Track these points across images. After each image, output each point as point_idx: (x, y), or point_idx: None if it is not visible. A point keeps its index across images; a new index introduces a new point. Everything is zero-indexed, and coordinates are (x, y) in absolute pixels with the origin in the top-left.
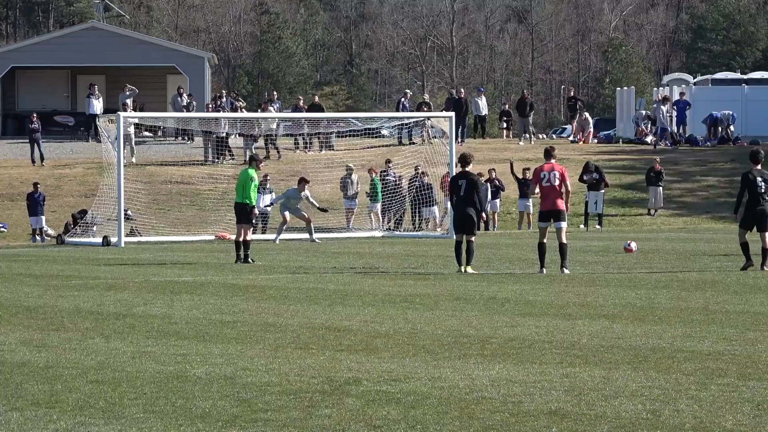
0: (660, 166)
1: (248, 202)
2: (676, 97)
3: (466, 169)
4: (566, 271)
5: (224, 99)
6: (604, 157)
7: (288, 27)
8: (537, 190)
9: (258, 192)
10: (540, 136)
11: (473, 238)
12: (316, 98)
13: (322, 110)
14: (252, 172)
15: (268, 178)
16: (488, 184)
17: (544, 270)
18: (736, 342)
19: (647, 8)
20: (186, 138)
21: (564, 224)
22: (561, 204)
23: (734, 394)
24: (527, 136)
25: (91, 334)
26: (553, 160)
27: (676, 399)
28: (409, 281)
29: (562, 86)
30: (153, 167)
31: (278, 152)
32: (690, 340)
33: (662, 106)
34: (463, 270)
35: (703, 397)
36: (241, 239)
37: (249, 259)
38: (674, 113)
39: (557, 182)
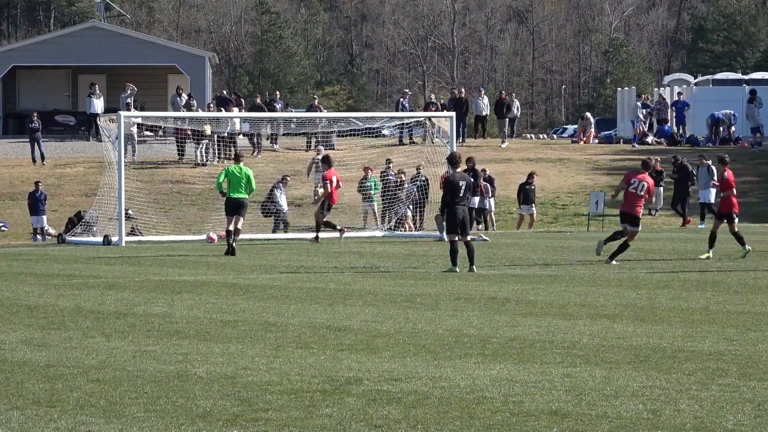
0: (660, 167)
1: (252, 191)
2: (675, 97)
3: (459, 169)
4: (614, 263)
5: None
6: (606, 158)
7: (289, 27)
8: (621, 193)
9: (278, 191)
10: (542, 136)
11: (470, 238)
12: (258, 99)
13: (263, 110)
14: (247, 168)
15: (288, 178)
16: (488, 184)
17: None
18: (737, 342)
19: (648, 8)
20: (194, 140)
21: (637, 229)
22: (639, 211)
23: (735, 394)
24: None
25: (92, 333)
26: (647, 172)
27: (677, 399)
28: (409, 281)
29: (503, 93)
30: (154, 167)
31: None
32: (691, 340)
33: (638, 103)
34: (458, 270)
35: (704, 397)
36: (232, 228)
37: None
38: (674, 113)
39: (642, 192)
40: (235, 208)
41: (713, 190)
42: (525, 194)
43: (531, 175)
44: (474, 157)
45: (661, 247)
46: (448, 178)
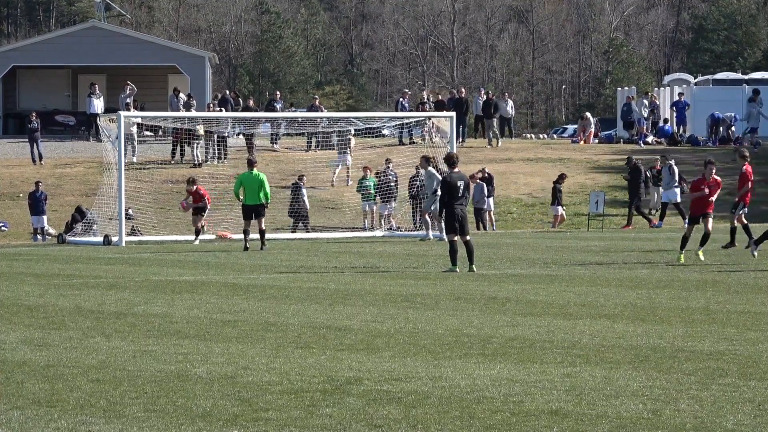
0: (660, 167)
1: (268, 200)
2: (675, 97)
3: (457, 169)
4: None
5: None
6: (606, 157)
7: (289, 26)
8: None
9: (304, 189)
10: (542, 136)
11: (469, 238)
12: (251, 102)
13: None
14: (261, 174)
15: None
16: (484, 184)
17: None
18: (737, 342)
19: (648, 8)
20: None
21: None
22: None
23: (735, 394)
24: (495, 138)
25: (92, 333)
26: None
27: (677, 399)
28: (409, 281)
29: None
30: (154, 167)
31: (225, 153)
32: (691, 340)
33: (644, 101)
34: (458, 270)
35: (704, 397)
36: (261, 228)
37: (264, 246)
38: (674, 113)
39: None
40: (251, 214)
41: (677, 190)
42: (557, 194)
43: (562, 176)
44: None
45: (660, 247)
46: (445, 178)
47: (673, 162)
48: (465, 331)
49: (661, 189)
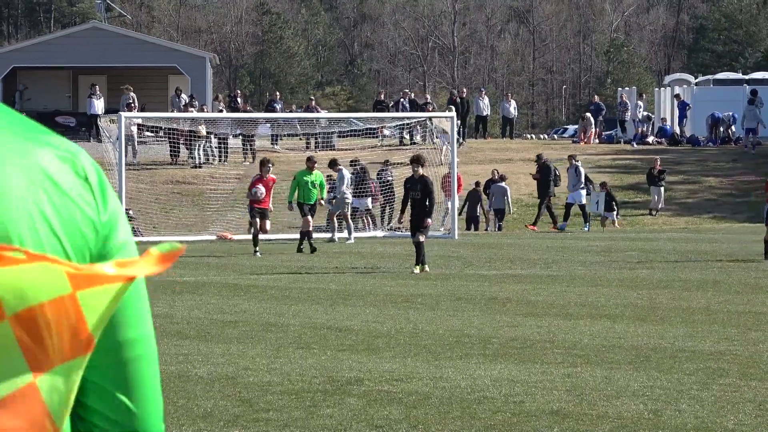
0: (660, 166)
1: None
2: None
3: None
4: None
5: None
6: (607, 157)
7: (289, 27)
8: None
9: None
10: (542, 136)
11: (423, 238)
12: (249, 106)
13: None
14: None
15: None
16: (507, 187)
17: None
18: (737, 342)
19: (648, 8)
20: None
21: None
22: None
23: (736, 394)
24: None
25: None
26: None
27: (678, 399)
28: (410, 281)
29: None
30: (155, 167)
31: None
32: (692, 340)
33: (639, 102)
34: (417, 271)
35: (704, 397)
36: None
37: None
38: (675, 113)
39: None
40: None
41: (583, 192)
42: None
43: (603, 184)
44: (356, 159)
45: (661, 247)
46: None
47: (579, 163)
48: (466, 331)
49: (660, 190)
